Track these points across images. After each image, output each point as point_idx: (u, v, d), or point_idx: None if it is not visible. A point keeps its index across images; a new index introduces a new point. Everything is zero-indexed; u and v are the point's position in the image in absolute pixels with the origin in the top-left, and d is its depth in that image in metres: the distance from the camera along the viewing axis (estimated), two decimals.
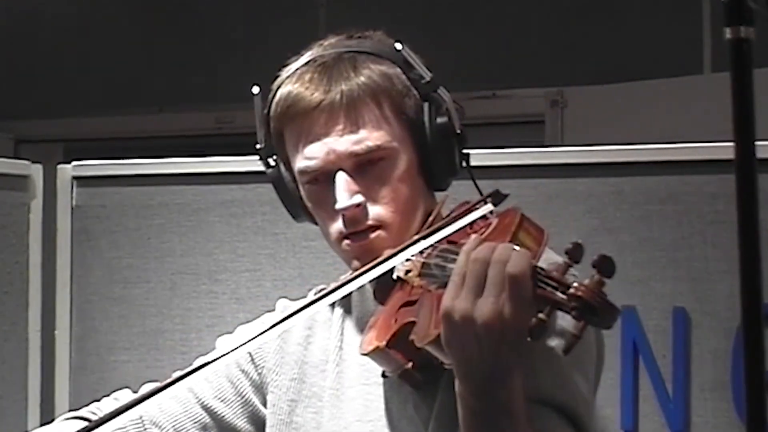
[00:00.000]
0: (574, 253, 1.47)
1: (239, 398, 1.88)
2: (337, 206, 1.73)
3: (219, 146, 3.78)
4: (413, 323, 1.62)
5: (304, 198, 1.80)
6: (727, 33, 1.26)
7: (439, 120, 1.78)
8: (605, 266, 1.43)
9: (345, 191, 1.73)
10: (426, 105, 1.77)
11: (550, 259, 1.56)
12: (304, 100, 1.76)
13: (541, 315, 1.44)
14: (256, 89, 1.85)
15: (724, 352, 2.05)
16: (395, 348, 1.65)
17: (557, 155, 2.16)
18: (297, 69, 1.81)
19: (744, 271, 1.24)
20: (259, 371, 1.89)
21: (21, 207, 2.39)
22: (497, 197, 1.72)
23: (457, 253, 1.57)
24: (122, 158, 2.41)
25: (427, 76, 1.78)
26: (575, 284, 1.43)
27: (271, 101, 1.83)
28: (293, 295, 2.25)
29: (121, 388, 1.96)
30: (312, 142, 1.75)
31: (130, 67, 5.32)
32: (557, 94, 4.66)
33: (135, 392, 1.94)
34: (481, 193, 1.77)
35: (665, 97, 4.40)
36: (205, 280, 2.33)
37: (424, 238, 1.64)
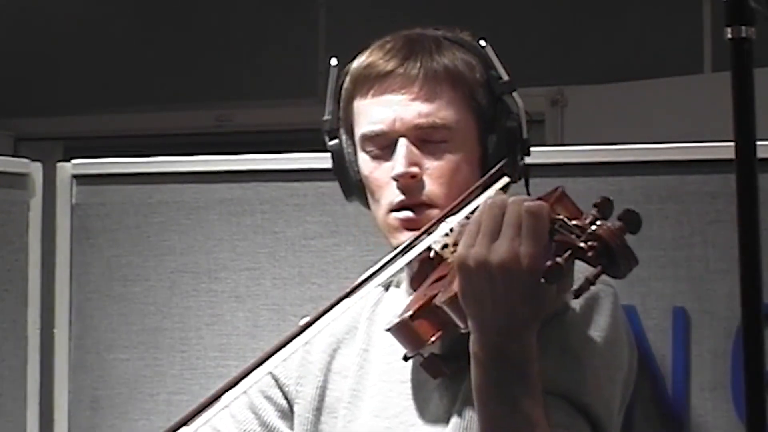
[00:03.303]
0: (602, 208, 1.44)
1: (265, 429, 1.87)
2: (394, 172, 1.73)
3: (219, 144, 3.79)
4: (437, 294, 1.62)
5: (360, 168, 1.80)
6: (728, 32, 1.26)
7: (509, 123, 1.78)
8: (631, 219, 1.40)
9: (404, 158, 1.73)
10: (499, 105, 1.78)
11: None
12: (380, 64, 1.76)
13: (558, 259, 1.41)
14: (334, 61, 1.85)
15: (724, 352, 2.05)
16: (420, 319, 1.62)
17: (557, 155, 2.16)
18: (377, 43, 1.81)
19: (744, 271, 1.24)
20: (285, 391, 1.87)
21: (20, 205, 2.39)
22: (511, 168, 1.74)
23: None
24: (122, 156, 2.41)
25: (505, 77, 1.79)
26: (597, 223, 1.41)
27: (346, 72, 1.83)
28: (293, 294, 2.25)
29: None
30: (380, 106, 1.75)
31: (130, 65, 5.32)
32: (557, 93, 4.66)
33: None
34: None
35: (665, 97, 4.40)
36: (205, 278, 2.32)
37: (451, 211, 1.63)
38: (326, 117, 1.86)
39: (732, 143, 1.25)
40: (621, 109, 4.45)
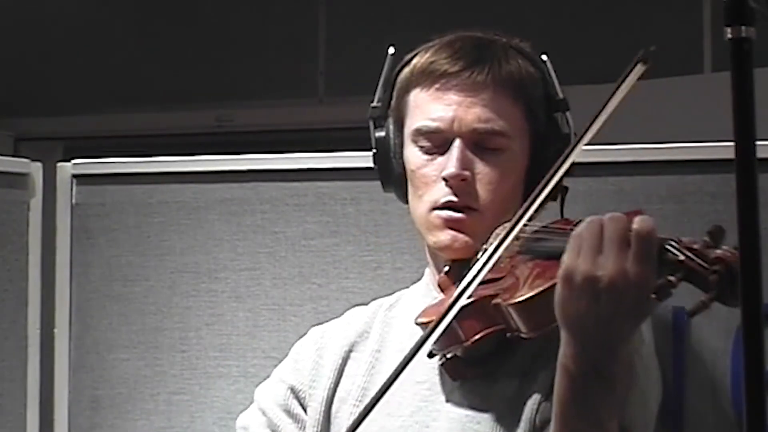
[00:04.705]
0: (716, 236, 1.43)
1: None
2: (446, 172, 1.73)
3: (219, 144, 3.79)
4: (495, 295, 1.61)
5: (407, 161, 1.79)
6: (728, 32, 1.26)
7: (559, 143, 1.79)
8: None
9: (457, 159, 1.73)
10: (551, 122, 1.80)
11: None
12: (448, 62, 1.76)
13: (671, 277, 1.42)
14: (392, 49, 1.85)
15: (724, 352, 2.05)
16: (466, 317, 1.61)
17: None
18: (444, 41, 1.81)
19: (744, 271, 1.24)
20: (301, 398, 1.87)
21: (20, 205, 2.39)
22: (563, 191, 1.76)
23: (556, 231, 1.57)
24: (122, 156, 2.41)
25: (560, 95, 1.79)
26: (722, 248, 1.40)
27: (405, 63, 1.82)
28: (293, 294, 2.25)
29: None
30: (441, 104, 1.75)
31: (131, 65, 5.32)
32: None
33: None
34: None
35: (665, 97, 4.40)
36: (205, 278, 2.32)
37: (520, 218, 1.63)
38: (375, 104, 1.85)
39: (732, 143, 1.25)
40: (621, 109, 4.45)
